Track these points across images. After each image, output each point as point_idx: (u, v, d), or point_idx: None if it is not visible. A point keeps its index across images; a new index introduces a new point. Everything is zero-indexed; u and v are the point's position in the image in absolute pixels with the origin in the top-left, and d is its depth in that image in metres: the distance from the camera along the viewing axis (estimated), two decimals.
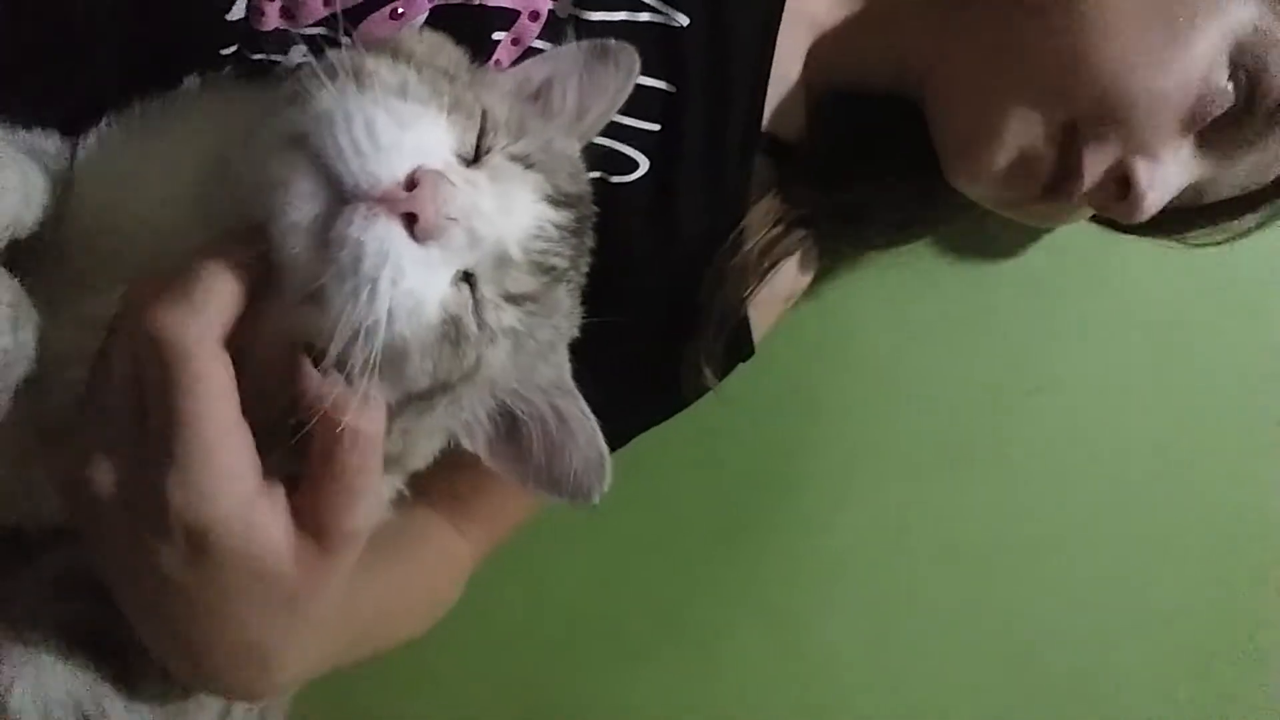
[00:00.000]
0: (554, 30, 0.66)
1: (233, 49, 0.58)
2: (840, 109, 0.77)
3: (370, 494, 0.45)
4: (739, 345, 0.77)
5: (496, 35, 0.63)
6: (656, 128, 0.69)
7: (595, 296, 0.62)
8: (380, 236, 0.40)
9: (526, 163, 0.48)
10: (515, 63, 0.66)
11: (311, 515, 0.44)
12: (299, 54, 0.58)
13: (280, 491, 0.44)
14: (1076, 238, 0.90)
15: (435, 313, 0.43)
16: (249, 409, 0.43)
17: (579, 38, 0.65)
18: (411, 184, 0.41)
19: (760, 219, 0.75)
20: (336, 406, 0.42)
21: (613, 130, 0.67)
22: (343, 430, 0.42)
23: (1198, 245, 0.76)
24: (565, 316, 0.52)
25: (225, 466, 0.41)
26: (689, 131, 0.70)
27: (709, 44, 0.69)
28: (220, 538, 0.42)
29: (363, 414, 0.43)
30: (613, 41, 0.57)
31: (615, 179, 0.69)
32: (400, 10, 0.60)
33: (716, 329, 0.74)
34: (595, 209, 0.54)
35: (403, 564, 0.68)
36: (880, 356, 0.95)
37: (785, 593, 0.99)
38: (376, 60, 0.46)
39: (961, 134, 0.73)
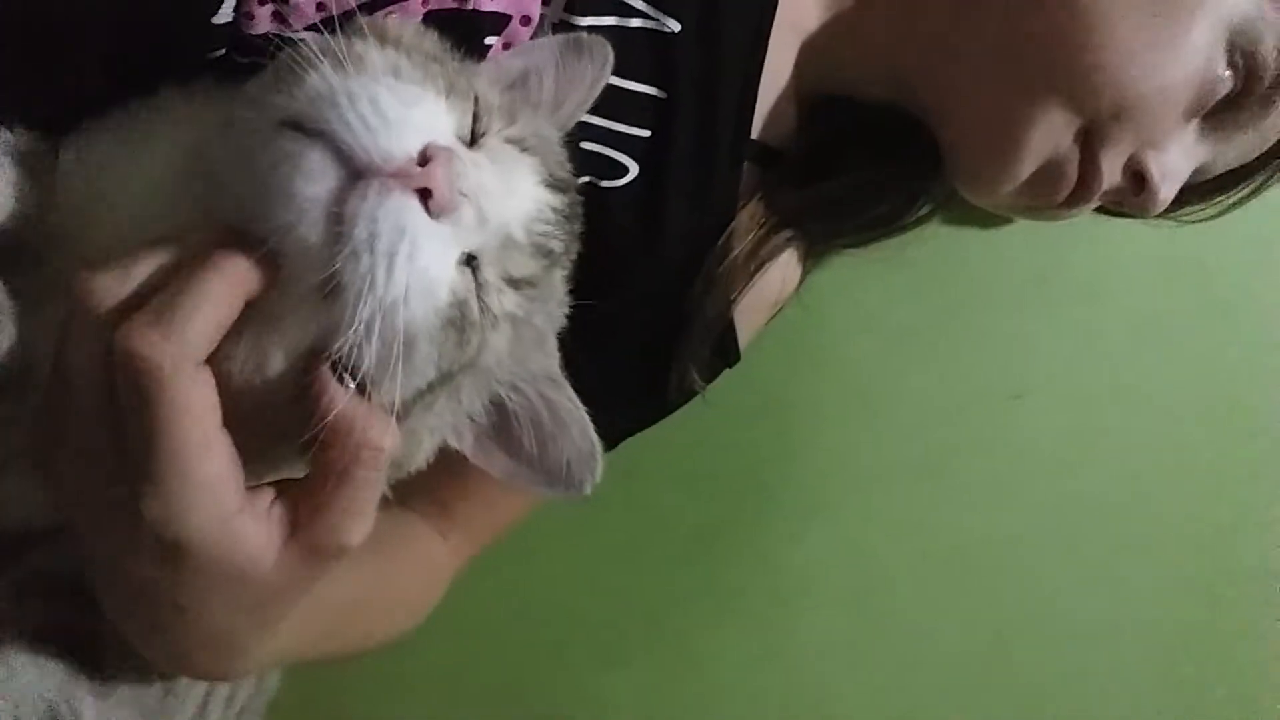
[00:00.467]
0: (546, 35, 0.66)
1: (221, 52, 0.56)
2: (830, 117, 0.77)
3: (373, 510, 0.44)
4: (725, 350, 0.76)
5: (489, 40, 0.62)
6: (646, 133, 0.69)
7: (583, 300, 0.61)
8: (397, 211, 0.39)
9: (522, 146, 0.47)
10: None
11: (309, 526, 0.43)
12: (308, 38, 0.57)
13: (264, 500, 0.43)
14: (1055, 243, 0.92)
15: (444, 296, 0.42)
16: (249, 416, 0.42)
17: None
18: (424, 159, 0.40)
19: (747, 223, 0.74)
20: (355, 421, 0.41)
21: (602, 135, 0.68)
22: (359, 447, 0.41)
23: (1187, 221, 0.77)
24: (558, 304, 0.52)
25: (202, 483, 0.40)
26: (679, 137, 0.69)
27: (700, 50, 0.69)
28: (196, 551, 0.41)
29: (384, 430, 0.42)
30: (586, 35, 0.57)
31: (604, 184, 0.68)
32: (393, 15, 0.59)
33: (703, 334, 0.73)
34: (581, 196, 0.53)
35: (379, 563, 0.66)
36: (860, 362, 0.95)
37: (764, 596, 0.98)
38: (365, 45, 0.44)
39: (982, 148, 0.72)
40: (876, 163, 0.78)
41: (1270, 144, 0.73)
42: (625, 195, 0.69)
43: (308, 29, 0.57)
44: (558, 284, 0.51)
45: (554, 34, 0.65)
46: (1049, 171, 0.71)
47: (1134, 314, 0.96)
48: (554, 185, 0.48)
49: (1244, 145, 0.72)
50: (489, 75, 0.53)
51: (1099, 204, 0.75)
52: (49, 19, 0.53)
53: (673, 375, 0.74)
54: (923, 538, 0.97)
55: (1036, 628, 0.99)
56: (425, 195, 0.40)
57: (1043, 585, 0.98)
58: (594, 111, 0.66)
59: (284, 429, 0.43)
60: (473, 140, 0.45)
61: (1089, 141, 0.69)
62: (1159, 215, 0.74)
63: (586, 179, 0.67)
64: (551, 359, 0.52)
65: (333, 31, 0.47)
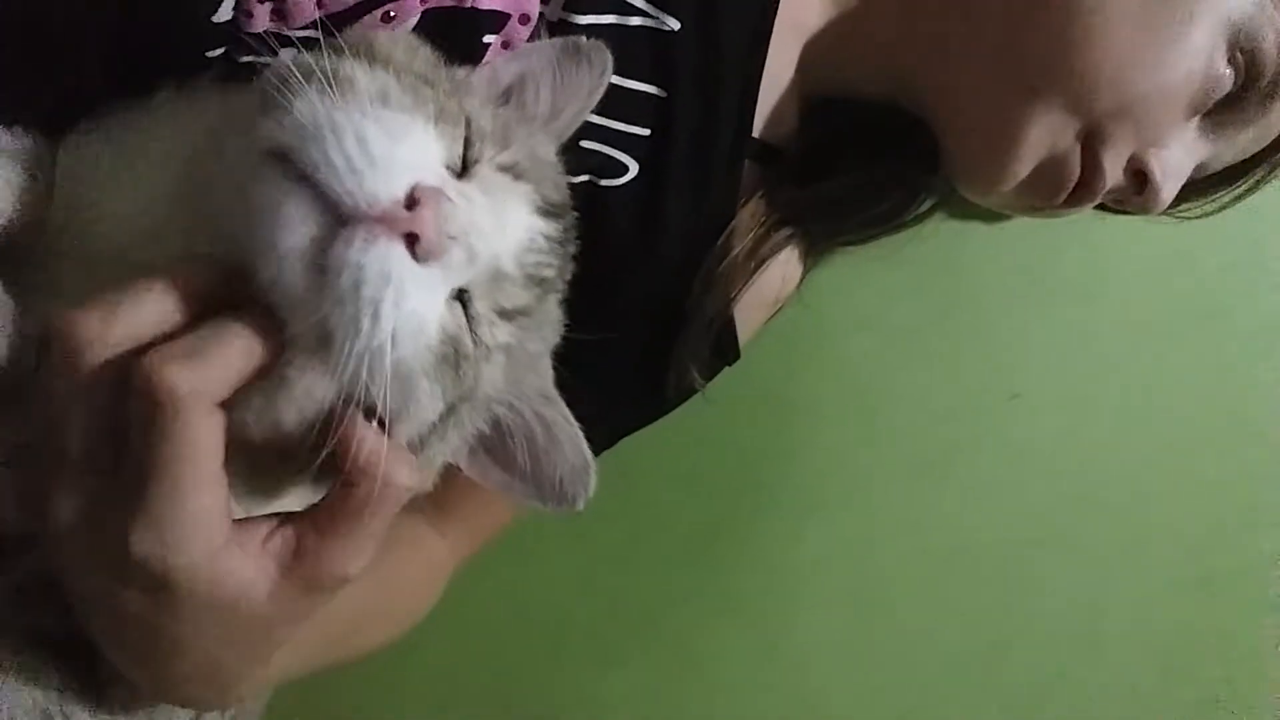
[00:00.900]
0: (545, 33, 0.65)
1: (220, 51, 0.56)
2: (831, 115, 0.76)
3: (378, 543, 0.44)
4: (724, 349, 0.76)
5: (487, 38, 0.62)
6: (646, 132, 0.68)
7: (582, 299, 0.62)
8: (382, 258, 0.38)
9: (515, 173, 0.46)
10: None
11: (314, 559, 0.43)
12: (289, 56, 0.55)
13: (258, 534, 0.43)
14: (1053, 243, 0.91)
15: (435, 334, 0.42)
16: (253, 451, 0.42)
17: None
18: (411, 202, 0.39)
19: (747, 221, 0.74)
20: (379, 460, 0.41)
21: (602, 135, 0.67)
22: (384, 485, 0.41)
23: (1186, 217, 0.77)
24: (553, 327, 0.51)
25: (193, 516, 0.40)
26: (678, 136, 0.69)
27: (699, 48, 0.69)
28: (184, 586, 0.41)
29: (407, 469, 0.42)
30: (584, 39, 0.55)
31: (604, 183, 0.68)
32: (392, 13, 0.58)
33: (703, 332, 0.73)
34: (576, 214, 0.52)
35: (381, 566, 0.67)
36: (858, 362, 0.95)
37: (761, 596, 0.98)
38: (353, 66, 0.43)
39: (981, 147, 0.72)
40: (877, 161, 0.77)
41: (1270, 140, 0.72)
42: (625, 194, 0.68)
43: (306, 28, 0.56)
44: (552, 309, 0.50)
45: (552, 33, 0.64)
46: (1048, 170, 0.71)
47: (1131, 314, 0.95)
48: (548, 212, 0.47)
49: (1244, 142, 0.72)
50: (482, 91, 0.52)
51: (1100, 202, 0.74)
52: (49, 19, 0.52)
53: (672, 373, 0.74)
54: (920, 537, 0.98)
55: (1033, 626, 0.99)
56: (412, 239, 0.39)
57: (1039, 583, 0.98)
58: (594, 110, 0.66)
59: (289, 459, 0.43)
60: (464, 168, 0.44)
61: (1090, 141, 0.69)
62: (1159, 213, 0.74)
63: (586, 177, 0.67)
64: (545, 377, 0.52)
65: (329, 33, 0.47)
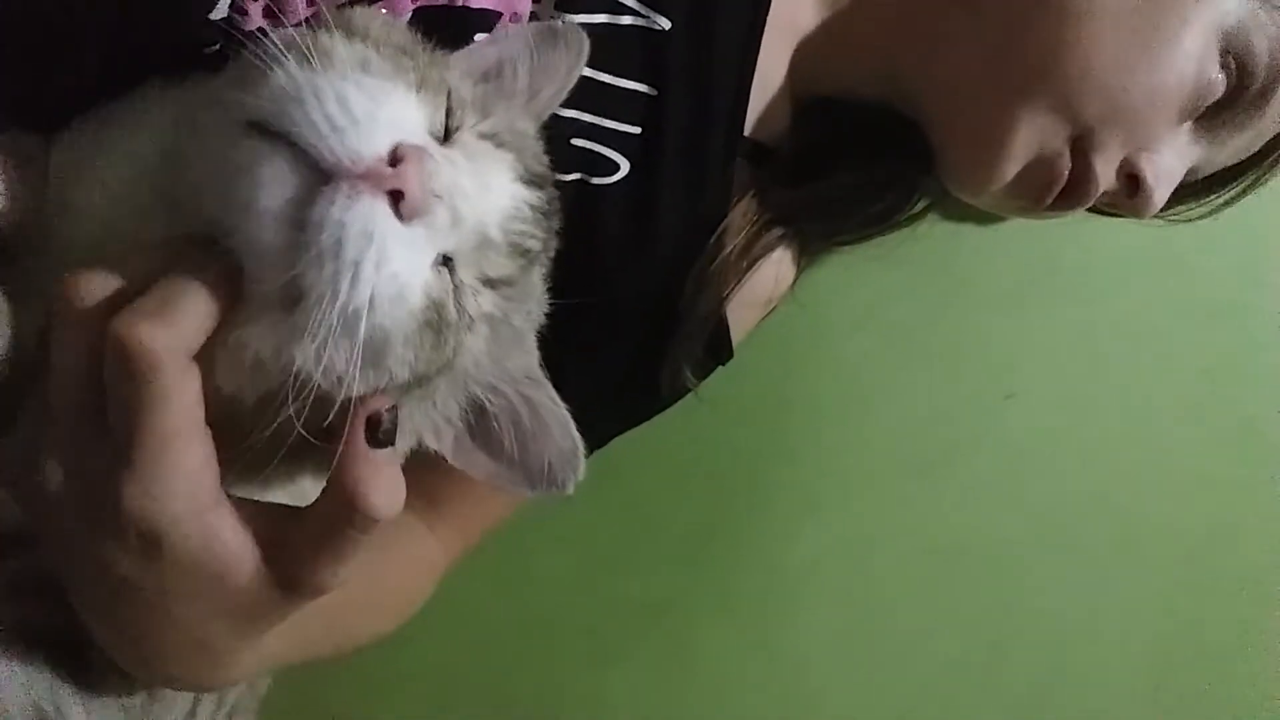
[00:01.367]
0: None
1: (216, 48, 0.55)
2: (824, 115, 0.76)
3: (355, 563, 0.43)
4: (717, 348, 0.76)
5: (478, 38, 0.61)
6: (637, 130, 0.68)
7: (575, 297, 0.62)
8: (364, 216, 0.37)
9: (496, 141, 0.45)
10: None
11: (294, 559, 0.42)
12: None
13: (243, 509, 0.42)
14: (1047, 243, 0.91)
15: (419, 299, 0.41)
16: (226, 420, 0.41)
17: None
18: (395, 160, 0.38)
19: (740, 220, 0.73)
20: (360, 482, 0.40)
21: (593, 132, 0.67)
22: (355, 510, 0.40)
23: (1178, 221, 0.77)
24: (537, 302, 0.50)
25: (181, 471, 0.40)
26: (670, 135, 0.69)
27: (691, 47, 0.68)
28: (174, 541, 0.41)
29: (387, 501, 0.41)
30: (560, 23, 0.55)
31: (595, 181, 0.67)
32: (383, 10, 0.60)
33: (696, 331, 0.73)
34: (558, 191, 0.51)
35: (370, 561, 0.66)
36: (853, 362, 0.94)
37: (758, 595, 0.98)
38: (332, 38, 0.43)
39: (968, 147, 0.72)
40: (870, 161, 0.77)
41: (1261, 144, 0.72)
42: (616, 192, 0.68)
43: (298, 24, 0.57)
44: (536, 283, 0.49)
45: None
46: (1036, 171, 0.70)
47: (1126, 314, 0.95)
48: (531, 181, 0.46)
49: (1236, 146, 0.72)
50: (461, 67, 0.51)
51: (1092, 204, 0.73)
52: (45, 17, 0.52)
53: (665, 372, 0.74)
54: (917, 536, 0.97)
55: (1030, 625, 0.99)
56: (396, 197, 0.38)
57: (1035, 582, 0.98)
58: (585, 108, 0.66)
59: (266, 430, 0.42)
60: (446, 136, 0.43)
61: (1081, 144, 0.69)
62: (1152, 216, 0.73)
63: (577, 176, 0.67)
64: (531, 356, 0.51)
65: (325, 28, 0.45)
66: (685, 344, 0.73)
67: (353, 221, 0.37)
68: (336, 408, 0.41)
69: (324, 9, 0.45)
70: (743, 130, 0.73)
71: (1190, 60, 0.66)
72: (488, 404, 0.49)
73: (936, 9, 0.73)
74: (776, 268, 0.78)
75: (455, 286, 0.42)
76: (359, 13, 0.47)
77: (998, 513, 0.97)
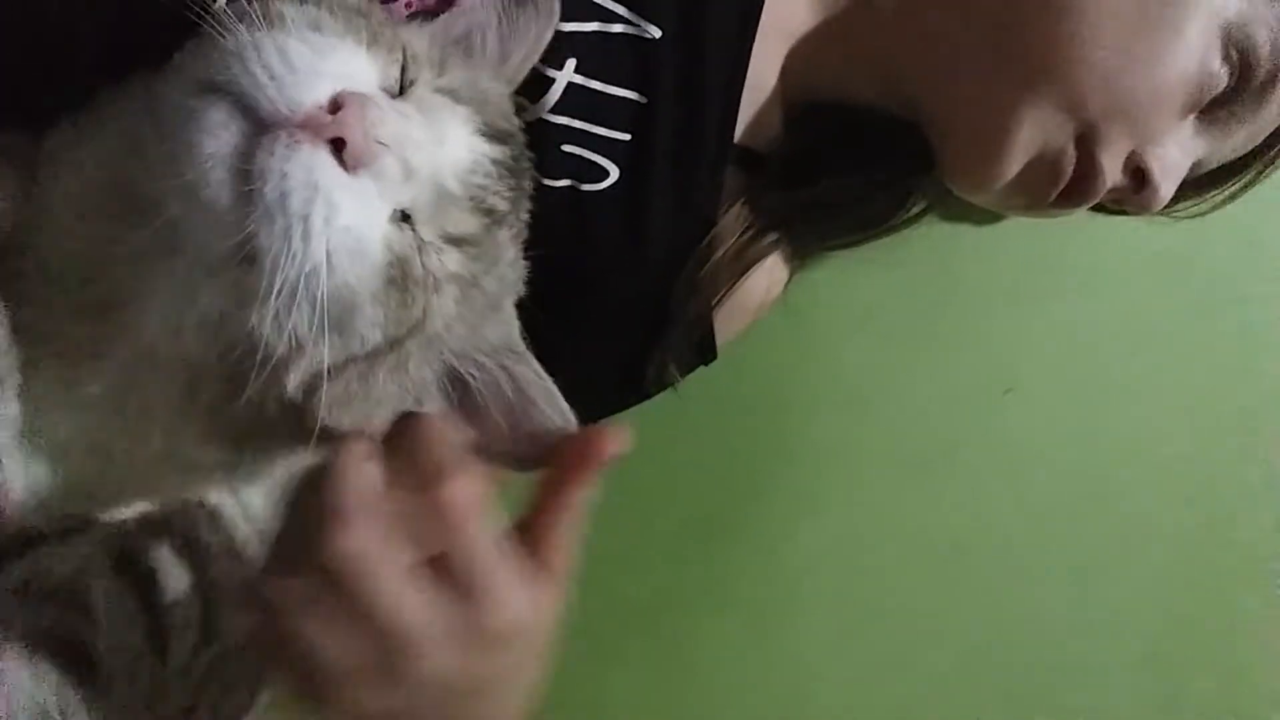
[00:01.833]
0: None
1: None
2: (817, 120, 0.75)
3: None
4: (703, 349, 0.75)
5: None
6: (627, 137, 0.67)
7: (564, 301, 0.61)
8: (306, 165, 0.36)
9: (455, 96, 0.44)
10: None
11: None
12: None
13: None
14: (1046, 238, 0.89)
15: (380, 253, 0.39)
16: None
17: (552, 48, 0.66)
18: (335, 107, 0.37)
19: (731, 226, 0.73)
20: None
21: (583, 139, 0.66)
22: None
23: (1182, 216, 0.75)
24: (510, 266, 0.48)
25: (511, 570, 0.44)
26: (659, 142, 0.68)
27: (682, 56, 0.68)
28: (537, 624, 0.47)
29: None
30: None
31: (585, 187, 0.67)
32: None
33: (683, 336, 0.72)
34: (530, 154, 0.50)
35: None
36: (852, 358, 0.93)
37: (758, 593, 0.96)
38: (284, 3, 0.42)
39: (971, 145, 0.71)
40: (864, 164, 0.75)
41: (1263, 137, 0.71)
42: (606, 198, 0.67)
43: None
44: (505, 244, 0.47)
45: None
46: (1039, 168, 0.69)
47: (1125, 308, 0.94)
48: (492, 136, 0.44)
49: (1239, 139, 0.70)
50: (427, 33, 0.50)
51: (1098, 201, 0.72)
52: (44, 16, 0.53)
53: (650, 370, 0.73)
54: (917, 533, 0.96)
55: (1029, 621, 0.97)
56: (339, 146, 0.37)
57: (1034, 578, 0.97)
58: (575, 115, 0.66)
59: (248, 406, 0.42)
60: (401, 92, 0.42)
61: (1086, 141, 0.67)
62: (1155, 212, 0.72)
63: (567, 182, 0.66)
64: (510, 327, 0.49)
65: None
66: (673, 346, 0.72)
67: (295, 171, 0.36)
68: (311, 375, 0.40)
69: None
70: (733, 137, 0.72)
71: (1192, 54, 0.65)
72: (470, 378, 0.47)
73: (935, 8, 0.72)
74: (768, 275, 0.76)
75: (418, 244, 0.41)
76: None
77: (997, 509, 0.95)
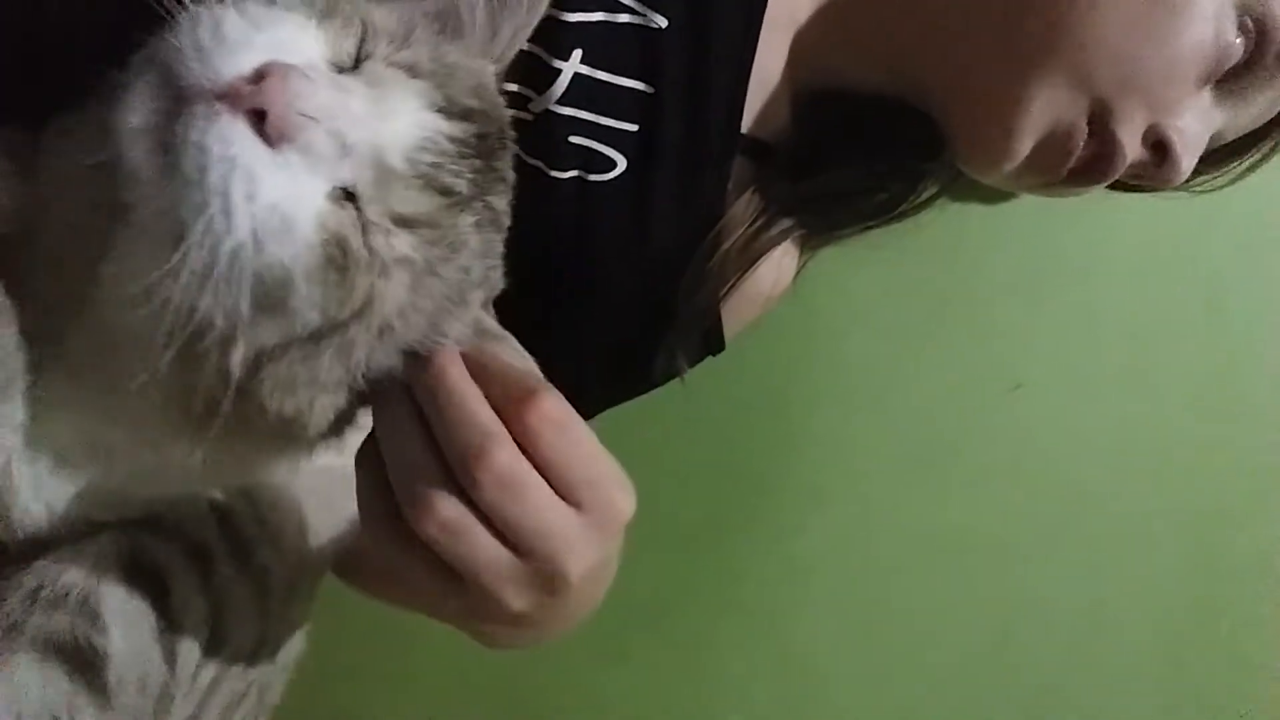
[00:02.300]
0: (533, 30, 0.66)
1: None
2: (824, 108, 0.74)
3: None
4: (711, 340, 0.75)
5: None
6: (634, 128, 0.67)
7: (573, 291, 0.65)
8: (223, 137, 0.35)
9: (412, 71, 0.41)
10: None
11: None
12: None
13: None
14: (1052, 231, 0.89)
15: (312, 232, 0.37)
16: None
17: (557, 39, 0.65)
18: (260, 79, 0.36)
19: (740, 216, 0.72)
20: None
21: (590, 130, 0.66)
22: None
23: (1200, 191, 0.74)
24: (477, 258, 0.44)
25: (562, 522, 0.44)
26: (667, 132, 0.68)
27: (688, 46, 0.67)
28: (606, 563, 0.48)
29: None
30: None
31: (593, 178, 0.67)
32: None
33: (693, 324, 0.72)
34: (510, 135, 0.47)
35: None
36: (858, 354, 0.92)
37: (761, 591, 0.97)
38: None
39: (981, 125, 0.70)
40: (872, 152, 0.75)
41: None
42: (614, 189, 0.67)
43: None
44: (468, 230, 0.43)
45: (540, 31, 0.65)
46: (1052, 145, 0.68)
47: (1132, 302, 0.93)
48: (452, 113, 0.42)
49: (1257, 109, 0.69)
50: (395, 6, 0.48)
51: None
52: (44, 17, 0.53)
53: (658, 359, 0.72)
54: (922, 529, 0.95)
55: (1036, 617, 0.97)
56: (260, 118, 0.35)
57: (1042, 574, 0.96)
58: (582, 106, 0.66)
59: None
60: (356, 66, 0.40)
61: (1102, 116, 0.66)
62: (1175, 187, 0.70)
63: (575, 173, 0.66)
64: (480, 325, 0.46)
65: None
66: (680, 336, 0.72)
67: (211, 144, 0.35)
68: (253, 355, 0.39)
69: None
70: (740, 127, 0.71)
71: (1206, 24, 0.64)
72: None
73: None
74: (776, 265, 0.75)
75: (363, 224, 0.39)
76: None
77: (1006, 504, 0.95)
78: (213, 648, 0.51)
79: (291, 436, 0.44)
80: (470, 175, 0.42)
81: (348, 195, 0.39)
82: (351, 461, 0.46)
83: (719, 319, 0.74)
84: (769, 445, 0.94)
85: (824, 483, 0.95)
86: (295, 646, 0.60)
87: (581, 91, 0.64)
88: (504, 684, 0.96)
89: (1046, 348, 0.94)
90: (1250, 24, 0.65)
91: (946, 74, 0.70)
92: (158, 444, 0.46)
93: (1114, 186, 0.73)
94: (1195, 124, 0.67)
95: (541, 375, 0.44)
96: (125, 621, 0.47)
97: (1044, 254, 0.91)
